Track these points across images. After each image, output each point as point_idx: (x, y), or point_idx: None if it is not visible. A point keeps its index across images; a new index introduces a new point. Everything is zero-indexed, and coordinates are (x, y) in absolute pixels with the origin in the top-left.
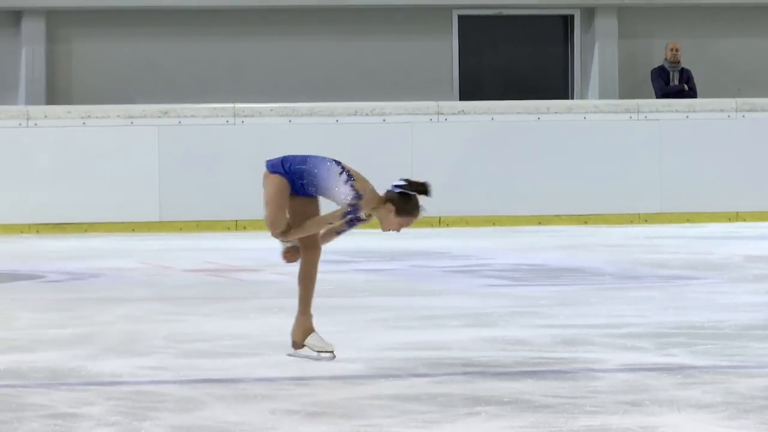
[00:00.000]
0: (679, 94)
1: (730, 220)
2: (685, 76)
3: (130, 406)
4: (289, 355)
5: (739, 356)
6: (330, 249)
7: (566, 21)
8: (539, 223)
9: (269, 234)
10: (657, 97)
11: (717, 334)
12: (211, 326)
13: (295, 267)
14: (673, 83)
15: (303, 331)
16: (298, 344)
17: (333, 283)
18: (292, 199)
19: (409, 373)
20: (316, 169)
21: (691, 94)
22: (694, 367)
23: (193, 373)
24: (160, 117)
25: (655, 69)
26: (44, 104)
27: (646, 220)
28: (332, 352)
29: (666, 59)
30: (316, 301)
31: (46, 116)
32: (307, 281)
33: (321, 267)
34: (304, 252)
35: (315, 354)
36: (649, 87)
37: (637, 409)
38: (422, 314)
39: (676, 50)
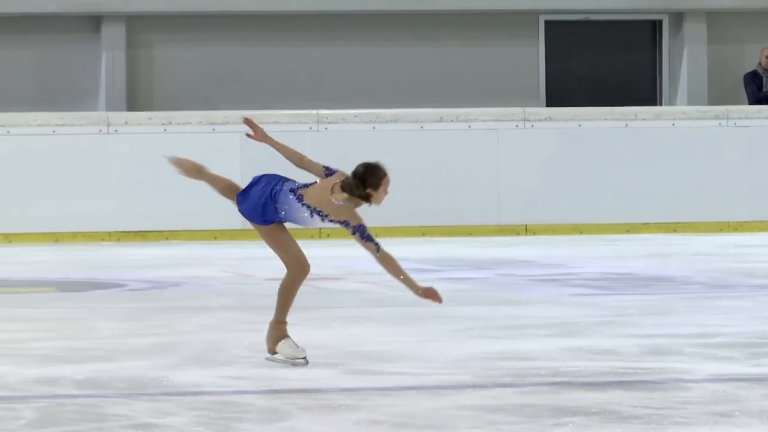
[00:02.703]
0: None
1: None
2: None
3: (213, 417)
4: (267, 359)
5: None
6: (416, 258)
7: (654, 26)
8: (627, 232)
9: (352, 243)
10: (750, 103)
11: None
12: (295, 335)
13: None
14: (766, 89)
15: (275, 338)
16: (271, 351)
17: None
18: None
19: (495, 383)
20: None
21: None
22: None
23: (276, 383)
24: (242, 123)
25: (747, 74)
26: (125, 110)
27: (735, 228)
28: (304, 358)
29: (760, 64)
30: (402, 311)
31: (126, 123)
32: (285, 295)
33: (409, 275)
34: (292, 268)
35: (286, 361)
36: (739, 93)
37: (727, 420)
38: (508, 324)
39: None
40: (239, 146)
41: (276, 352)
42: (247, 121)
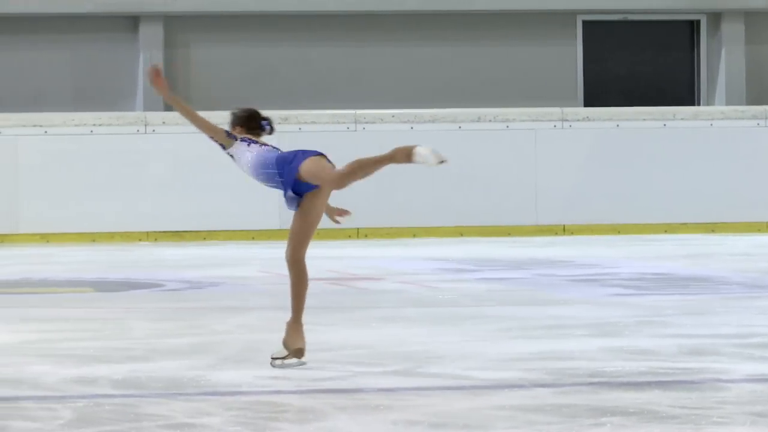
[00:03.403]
0: None
1: None
2: None
3: (250, 417)
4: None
5: None
6: (454, 258)
7: (692, 26)
8: (665, 232)
9: (389, 242)
10: None
11: None
12: (332, 336)
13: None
14: None
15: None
16: (300, 352)
17: (457, 292)
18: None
19: (533, 383)
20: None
21: None
22: None
23: (314, 384)
24: (280, 123)
25: None
26: (162, 111)
27: None
28: (282, 358)
29: None
30: (440, 311)
31: (164, 123)
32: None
33: (447, 276)
34: (291, 272)
35: (279, 363)
36: None
37: (765, 421)
38: (547, 324)
39: None
40: (276, 146)
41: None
42: (152, 71)
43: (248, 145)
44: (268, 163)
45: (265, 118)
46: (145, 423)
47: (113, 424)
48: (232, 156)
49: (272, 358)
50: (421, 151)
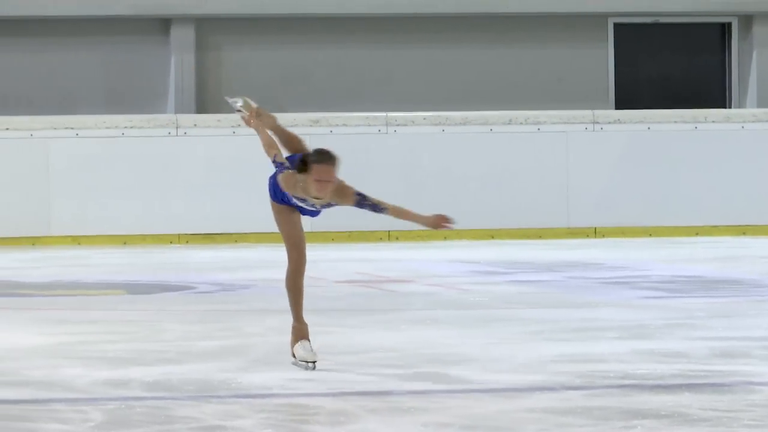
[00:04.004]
0: None
1: None
2: None
3: (281, 419)
4: (293, 363)
5: None
6: (485, 261)
7: (724, 29)
8: (697, 234)
9: (420, 244)
10: None
11: None
12: (363, 338)
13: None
14: None
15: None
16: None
17: (488, 294)
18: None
19: (564, 385)
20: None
21: None
22: None
23: (345, 386)
24: (311, 126)
25: None
26: (193, 113)
27: None
28: (314, 362)
29: None
30: (470, 313)
31: (195, 125)
32: (287, 292)
33: (477, 278)
34: (289, 258)
35: (300, 364)
36: None
37: None
38: (578, 326)
39: None
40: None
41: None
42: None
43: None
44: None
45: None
46: (177, 425)
47: (144, 426)
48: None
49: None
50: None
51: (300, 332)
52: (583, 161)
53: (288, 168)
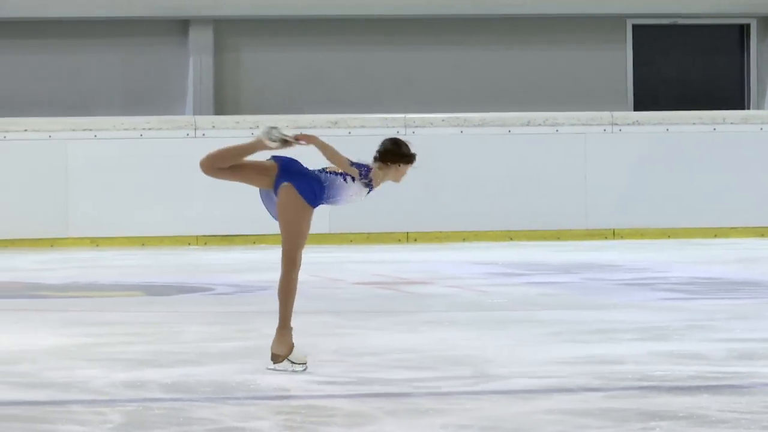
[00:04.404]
0: None
1: None
2: None
3: (299, 421)
4: (269, 368)
5: None
6: (503, 262)
7: (742, 30)
8: (715, 236)
9: (438, 246)
10: None
11: None
12: (381, 340)
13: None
14: None
15: (286, 346)
16: (279, 358)
17: (506, 296)
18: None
19: (583, 387)
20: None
21: None
22: None
23: (363, 388)
24: (329, 127)
25: None
26: (212, 114)
27: None
28: (305, 363)
29: None
30: (489, 315)
31: (213, 126)
32: (285, 295)
33: (496, 280)
34: (284, 266)
35: (292, 367)
36: None
37: None
38: (596, 328)
39: None
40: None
41: (284, 359)
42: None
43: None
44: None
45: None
46: (194, 427)
47: (162, 428)
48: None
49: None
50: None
51: (291, 338)
52: (601, 163)
53: (367, 166)
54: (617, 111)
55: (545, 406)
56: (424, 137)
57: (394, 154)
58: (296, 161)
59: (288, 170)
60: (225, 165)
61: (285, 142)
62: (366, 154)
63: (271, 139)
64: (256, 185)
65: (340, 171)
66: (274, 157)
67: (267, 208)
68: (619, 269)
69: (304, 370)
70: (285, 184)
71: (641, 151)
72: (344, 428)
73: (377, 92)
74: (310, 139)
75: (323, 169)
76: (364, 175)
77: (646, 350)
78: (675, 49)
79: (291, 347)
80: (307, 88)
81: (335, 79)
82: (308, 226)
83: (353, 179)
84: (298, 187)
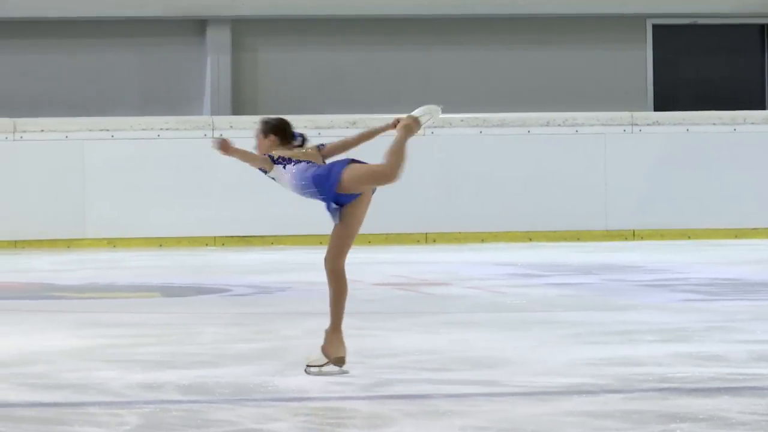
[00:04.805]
0: None
1: None
2: None
3: (318, 423)
4: (341, 371)
5: None
6: (522, 263)
7: (763, 30)
8: (736, 237)
9: (457, 247)
10: None
11: None
12: (400, 341)
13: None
14: None
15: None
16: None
17: (526, 297)
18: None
19: (603, 389)
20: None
21: None
22: None
23: (382, 389)
24: (347, 127)
25: None
26: (229, 114)
27: None
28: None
29: None
30: (508, 316)
31: (231, 126)
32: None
33: (515, 281)
34: (331, 281)
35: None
36: None
37: None
38: (616, 329)
39: None
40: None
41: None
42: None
43: (284, 167)
44: (306, 183)
45: (296, 131)
46: (212, 429)
47: (179, 429)
48: (273, 179)
49: (307, 366)
50: (419, 115)
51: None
52: (621, 163)
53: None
54: (637, 111)
55: (565, 407)
56: (444, 138)
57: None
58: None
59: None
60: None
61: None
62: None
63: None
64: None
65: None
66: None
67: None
68: (639, 270)
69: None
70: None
71: (661, 151)
72: (363, 430)
73: (396, 92)
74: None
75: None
76: (275, 160)
77: (667, 352)
78: (695, 48)
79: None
80: (325, 88)
81: (353, 79)
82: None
83: (281, 165)
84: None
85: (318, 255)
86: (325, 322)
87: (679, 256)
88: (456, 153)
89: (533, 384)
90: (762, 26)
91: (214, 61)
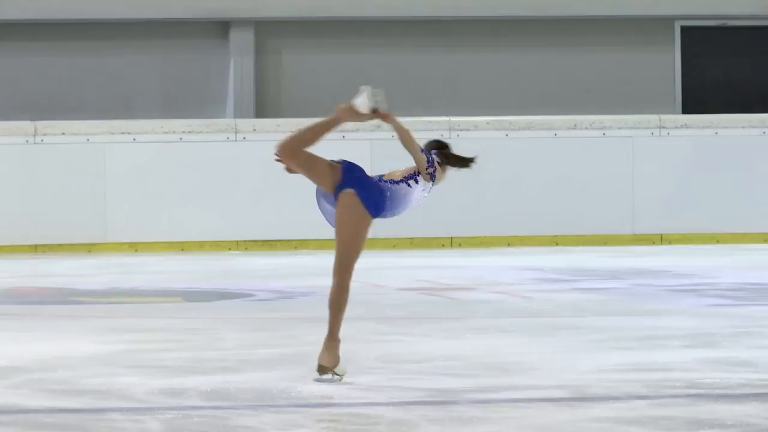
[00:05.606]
0: None
1: None
2: None
3: (341, 429)
4: (315, 379)
5: None
6: (549, 268)
7: None
8: (765, 241)
9: (483, 251)
10: None
11: None
12: (425, 346)
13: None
14: None
15: (335, 358)
16: (327, 371)
17: (553, 302)
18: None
19: (630, 395)
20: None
21: None
22: None
23: (407, 395)
24: (372, 130)
25: None
26: (253, 117)
27: None
28: (343, 375)
29: None
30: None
31: (254, 129)
32: (337, 306)
33: (542, 286)
34: (337, 275)
35: (332, 377)
36: None
37: None
38: (643, 334)
39: None
40: (369, 153)
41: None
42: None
43: (416, 181)
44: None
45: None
46: None
47: None
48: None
49: (334, 374)
50: (357, 102)
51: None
52: (649, 166)
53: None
54: (665, 114)
55: (592, 414)
56: (469, 140)
57: (460, 159)
58: (360, 167)
59: (353, 176)
60: (304, 147)
61: (374, 112)
62: (410, 158)
63: (371, 104)
64: (321, 183)
65: (399, 178)
66: (339, 161)
67: (322, 211)
68: (667, 275)
69: (340, 380)
70: (348, 190)
71: (689, 154)
72: None
73: (421, 95)
74: (387, 118)
75: (381, 177)
76: (431, 164)
77: (695, 357)
78: (724, 50)
79: (338, 360)
80: (350, 90)
81: (378, 81)
82: (366, 237)
83: (416, 180)
84: (362, 195)
85: None
86: (348, 329)
87: (707, 260)
88: (481, 156)
89: (559, 390)
90: None
91: (237, 63)
